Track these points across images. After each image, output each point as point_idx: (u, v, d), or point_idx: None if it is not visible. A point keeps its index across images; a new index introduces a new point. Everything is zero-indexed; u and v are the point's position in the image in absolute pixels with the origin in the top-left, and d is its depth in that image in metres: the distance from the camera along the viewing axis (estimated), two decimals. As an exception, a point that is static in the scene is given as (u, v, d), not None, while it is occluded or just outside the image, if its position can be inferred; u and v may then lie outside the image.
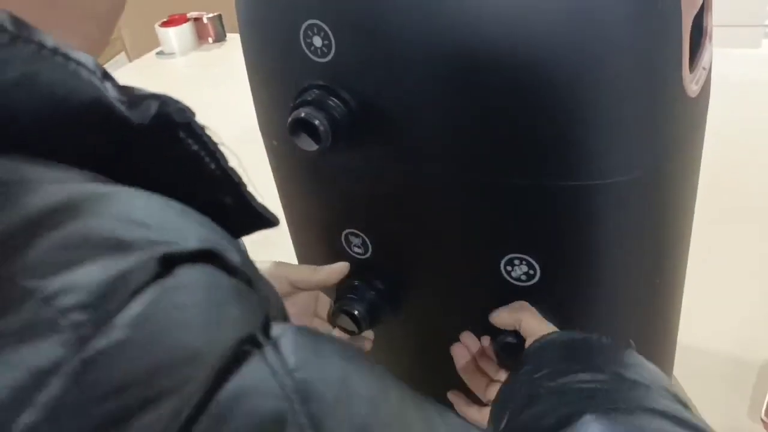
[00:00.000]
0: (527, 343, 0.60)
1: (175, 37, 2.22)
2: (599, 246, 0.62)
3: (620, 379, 0.49)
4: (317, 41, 0.60)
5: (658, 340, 0.77)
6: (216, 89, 1.74)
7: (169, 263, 0.24)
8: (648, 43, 0.54)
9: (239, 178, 0.33)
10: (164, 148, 0.30)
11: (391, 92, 0.59)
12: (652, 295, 0.69)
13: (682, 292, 0.79)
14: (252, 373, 0.24)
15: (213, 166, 0.32)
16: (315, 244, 0.76)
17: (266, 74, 0.66)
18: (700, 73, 0.61)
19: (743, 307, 1.03)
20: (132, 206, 0.25)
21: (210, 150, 0.31)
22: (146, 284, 0.23)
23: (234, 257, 0.27)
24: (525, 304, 0.64)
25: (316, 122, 0.59)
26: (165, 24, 2.25)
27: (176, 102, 0.30)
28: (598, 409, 0.45)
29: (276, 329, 0.27)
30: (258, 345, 0.25)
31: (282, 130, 0.63)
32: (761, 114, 1.51)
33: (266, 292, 0.30)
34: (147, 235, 0.24)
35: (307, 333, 0.28)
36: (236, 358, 0.24)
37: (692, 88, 0.58)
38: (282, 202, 0.76)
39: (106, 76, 0.29)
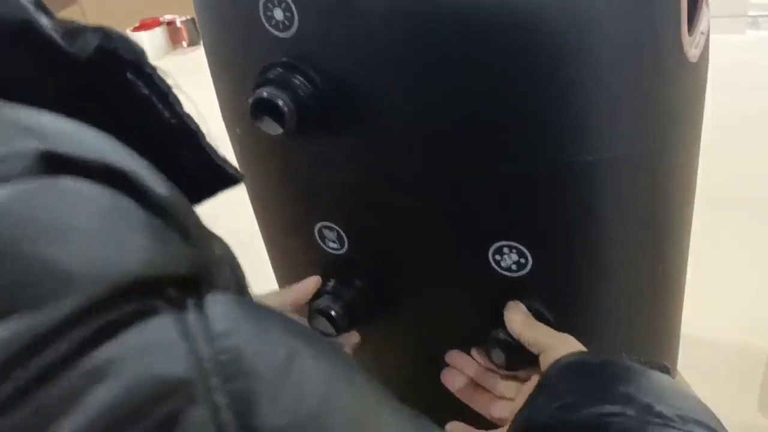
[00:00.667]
0: (542, 362, 0.54)
1: (148, 41, 2.16)
2: (597, 230, 0.56)
3: (651, 413, 0.43)
4: (278, 14, 0.54)
5: (661, 333, 0.72)
6: (191, 94, 1.67)
7: (55, 166, 0.19)
8: (645, 4, 0.49)
9: (196, 126, 0.29)
10: (112, 92, 0.27)
11: (361, 70, 0.54)
12: (655, 283, 0.64)
13: (684, 280, 0.74)
14: (152, 332, 0.18)
15: (167, 113, 0.28)
16: (287, 241, 0.70)
17: (225, 54, 0.61)
18: (699, 37, 0.56)
19: (745, 298, 0.98)
20: (31, 116, 0.21)
21: (162, 93, 0.28)
22: (14, 177, 0.18)
23: (157, 189, 0.22)
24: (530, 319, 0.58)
25: (280, 103, 0.54)
26: (137, 29, 2.19)
27: (124, 38, 0.26)
28: None
29: (211, 295, 0.21)
30: (173, 301, 0.20)
31: (245, 116, 0.57)
32: (748, 99, 1.47)
33: (211, 251, 0.25)
34: (37, 144, 0.19)
35: (251, 303, 0.22)
36: (137, 310, 0.18)
37: (692, 52, 0.53)
38: (250, 197, 0.71)
39: (40, 5, 0.26)
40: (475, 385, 0.63)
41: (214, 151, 0.30)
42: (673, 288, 0.68)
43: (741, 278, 1.02)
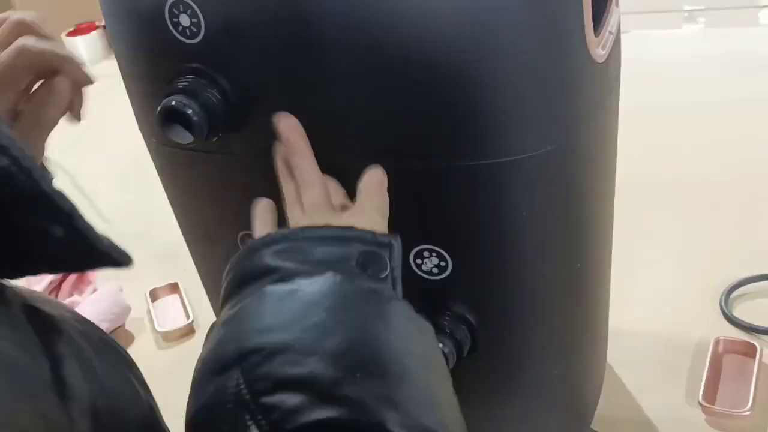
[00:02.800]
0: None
1: (84, 46, 2.10)
2: (512, 231, 0.57)
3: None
4: (185, 20, 0.53)
5: (587, 328, 0.73)
6: (129, 100, 1.64)
7: None
8: (546, 5, 0.49)
9: (71, 205, 0.27)
10: None
11: (270, 75, 0.53)
12: (575, 280, 0.64)
13: (608, 276, 0.75)
14: None
15: (31, 187, 0.26)
16: (211, 251, 0.69)
17: (135, 62, 0.59)
18: (606, 37, 0.57)
19: (671, 289, 1.00)
20: None
21: (23, 167, 0.25)
22: None
23: None
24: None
25: (189, 111, 0.53)
26: (72, 33, 2.13)
27: None
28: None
29: None
30: None
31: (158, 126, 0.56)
32: (681, 94, 1.51)
33: None
34: None
35: None
36: None
37: (598, 52, 0.54)
38: (172, 207, 0.69)
39: None
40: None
41: (93, 232, 0.29)
42: (594, 284, 0.69)
43: (667, 269, 1.04)
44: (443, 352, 0.59)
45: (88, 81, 0.49)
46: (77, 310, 1.08)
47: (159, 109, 0.53)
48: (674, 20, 2.53)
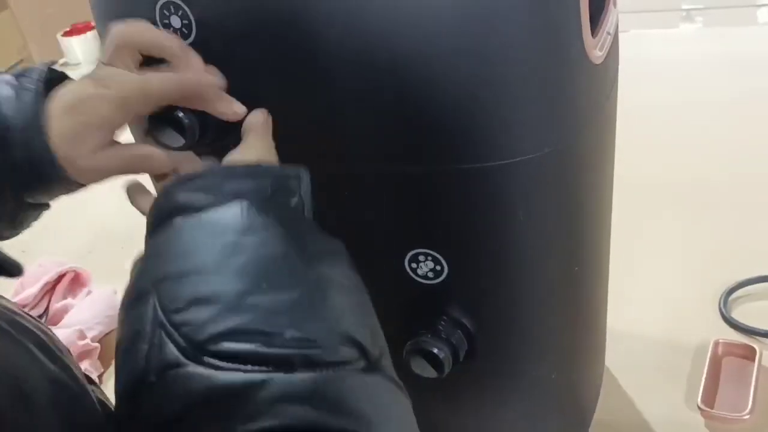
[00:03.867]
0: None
1: (79, 46, 2.09)
2: (509, 234, 0.56)
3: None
4: (175, 21, 0.52)
5: (585, 331, 0.72)
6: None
7: None
8: (543, 6, 0.48)
9: None
10: None
11: (261, 77, 0.52)
12: (573, 284, 0.64)
13: (606, 279, 0.74)
14: None
15: None
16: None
17: (125, 64, 0.58)
18: (604, 38, 0.56)
19: (671, 291, 1.00)
20: None
21: None
22: None
23: None
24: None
25: (180, 114, 0.52)
26: (67, 33, 2.12)
27: None
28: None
29: None
30: None
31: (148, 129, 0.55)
32: (679, 93, 1.50)
33: None
34: None
35: None
36: None
37: (596, 53, 0.53)
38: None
39: None
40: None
41: None
42: (592, 287, 0.68)
43: (665, 271, 1.03)
44: (440, 357, 0.58)
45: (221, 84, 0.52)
46: (71, 313, 1.07)
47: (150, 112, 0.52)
48: (672, 19, 2.53)
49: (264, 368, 0.34)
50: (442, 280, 0.58)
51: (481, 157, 0.51)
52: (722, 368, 0.87)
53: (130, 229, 1.27)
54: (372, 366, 0.38)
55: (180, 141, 0.53)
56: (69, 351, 0.45)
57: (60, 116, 0.49)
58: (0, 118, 0.48)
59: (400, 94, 0.49)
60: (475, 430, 0.70)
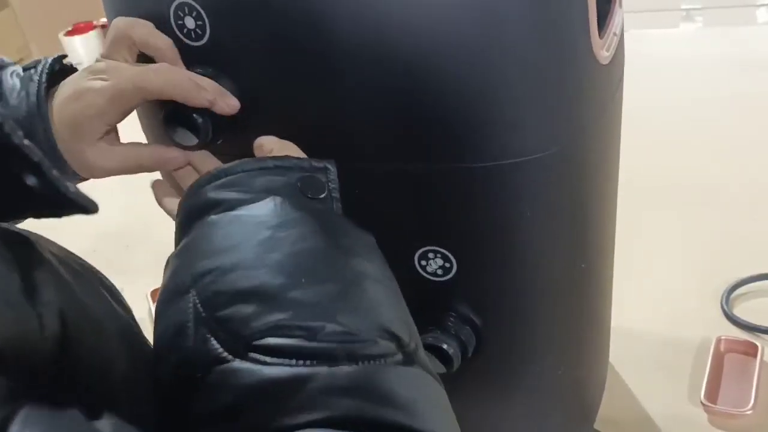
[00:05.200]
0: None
1: (82, 46, 2.10)
2: (517, 232, 0.57)
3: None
4: (189, 22, 0.53)
5: (590, 328, 0.73)
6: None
7: None
8: (551, 6, 0.49)
9: (40, 156, 0.30)
10: None
11: (274, 77, 0.53)
12: (579, 281, 0.65)
13: (611, 275, 0.75)
14: None
15: (3, 140, 0.29)
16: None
17: (139, 64, 0.59)
18: (611, 39, 0.57)
19: (674, 288, 1.00)
20: None
21: None
22: None
23: None
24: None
25: (194, 114, 0.53)
26: (70, 33, 2.12)
27: None
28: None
29: None
30: None
31: (160, 126, 0.56)
32: (679, 93, 1.51)
33: None
34: None
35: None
36: None
37: (603, 54, 0.54)
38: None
39: None
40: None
41: (62, 182, 0.31)
42: (597, 284, 0.69)
43: (668, 268, 1.04)
44: (449, 353, 0.59)
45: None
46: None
47: (164, 111, 0.53)
48: (672, 19, 2.54)
49: (308, 362, 0.35)
50: (451, 277, 0.58)
51: (490, 156, 0.52)
52: (725, 365, 0.88)
53: (134, 229, 1.28)
54: (409, 358, 0.39)
55: (193, 140, 0.54)
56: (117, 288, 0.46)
57: (60, 105, 0.51)
58: (6, 107, 0.50)
59: (408, 94, 0.50)
60: (481, 425, 0.71)
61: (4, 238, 0.32)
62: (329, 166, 0.47)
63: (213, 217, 0.43)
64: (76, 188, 0.32)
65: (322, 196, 0.46)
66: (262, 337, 0.35)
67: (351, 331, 0.36)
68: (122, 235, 1.22)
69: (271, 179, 0.45)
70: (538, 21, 0.48)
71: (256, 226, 0.41)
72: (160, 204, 0.54)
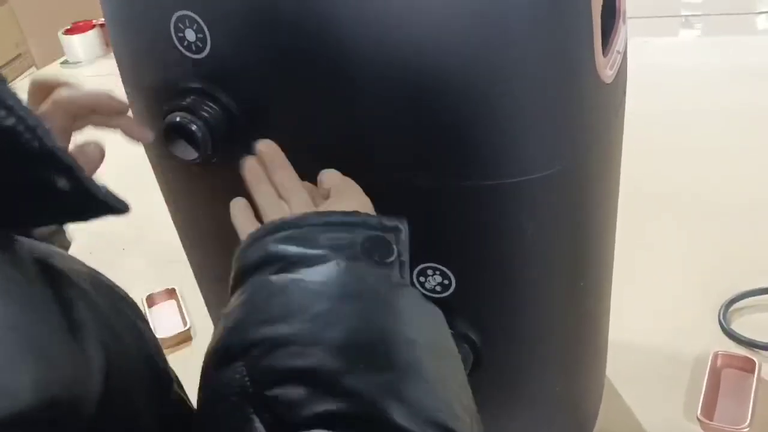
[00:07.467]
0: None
1: (80, 44, 2.09)
2: (518, 250, 0.56)
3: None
4: (190, 35, 0.52)
5: (588, 344, 0.73)
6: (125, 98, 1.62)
7: None
8: (556, 26, 0.49)
9: (72, 160, 0.29)
10: None
11: (274, 90, 0.52)
12: (579, 298, 0.64)
13: (609, 291, 0.75)
14: None
15: (36, 144, 0.28)
16: (212, 264, 0.69)
17: (138, 75, 0.58)
18: (614, 57, 0.56)
19: (671, 301, 1.00)
20: None
21: (29, 126, 0.27)
22: None
23: None
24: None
25: (194, 127, 0.52)
26: (69, 31, 2.12)
27: None
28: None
29: None
30: None
31: (160, 139, 0.55)
32: (678, 101, 1.51)
33: None
34: None
35: None
36: None
37: (607, 73, 0.54)
38: (173, 219, 0.69)
39: None
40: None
41: (94, 183, 0.30)
42: (596, 301, 0.69)
43: (666, 282, 1.04)
44: None
45: (124, 108, 0.51)
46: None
47: (164, 125, 0.52)
48: (671, 26, 2.54)
49: None
50: (450, 294, 0.58)
51: (493, 175, 0.52)
52: (721, 380, 0.88)
53: (131, 231, 1.27)
54: None
55: (193, 153, 0.53)
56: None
57: None
58: None
59: (416, 112, 0.50)
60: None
61: (36, 264, 0.31)
62: (401, 226, 0.44)
63: (271, 277, 0.40)
64: (106, 189, 0.31)
65: (389, 260, 0.43)
66: (311, 427, 0.33)
67: (401, 426, 0.34)
68: (120, 238, 1.21)
69: (336, 237, 0.42)
70: (544, 42, 0.48)
71: (315, 296, 0.38)
72: (234, 221, 0.49)
